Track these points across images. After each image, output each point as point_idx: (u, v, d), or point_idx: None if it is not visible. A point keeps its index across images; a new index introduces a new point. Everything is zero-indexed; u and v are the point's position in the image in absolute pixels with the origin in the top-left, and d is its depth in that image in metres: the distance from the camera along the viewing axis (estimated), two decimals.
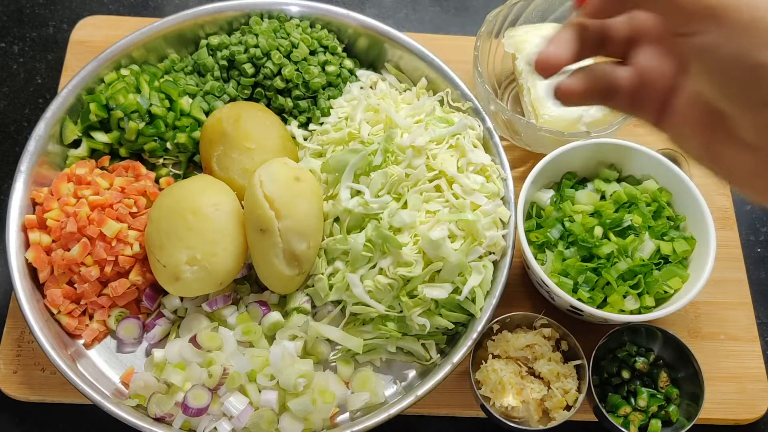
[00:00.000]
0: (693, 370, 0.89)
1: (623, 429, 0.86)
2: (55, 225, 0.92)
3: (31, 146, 0.96)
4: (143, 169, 1.01)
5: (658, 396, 0.89)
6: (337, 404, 0.90)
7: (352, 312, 0.92)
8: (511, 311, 0.93)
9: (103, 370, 0.93)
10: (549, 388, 0.90)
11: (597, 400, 0.87)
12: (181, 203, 0.89)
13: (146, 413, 0.87)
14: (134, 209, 0.95)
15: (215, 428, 0.86)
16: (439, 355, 0.94)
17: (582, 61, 0.53)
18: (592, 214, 0.95)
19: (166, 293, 0.94)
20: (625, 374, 0.90)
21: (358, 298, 0.90)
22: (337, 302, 0.94)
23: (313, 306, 0.96)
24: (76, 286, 0.92)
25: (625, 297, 0.91)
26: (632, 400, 0.89)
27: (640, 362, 0.91)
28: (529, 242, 0.93)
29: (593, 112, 1.05)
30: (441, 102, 1.05)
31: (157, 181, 1.02)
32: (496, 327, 0.93)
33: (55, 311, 0.92)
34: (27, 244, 0.92)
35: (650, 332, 0.92)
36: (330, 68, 1.06)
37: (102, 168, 1.01)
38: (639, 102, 0.54)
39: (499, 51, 1.13)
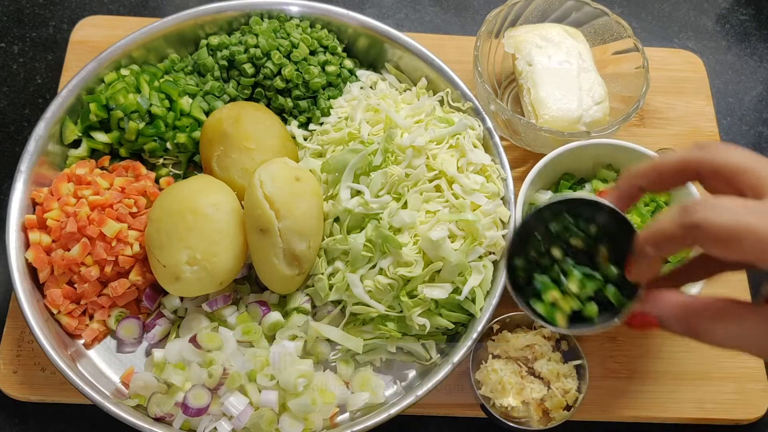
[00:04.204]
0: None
1: (545, 317, 0.68)
2: (55, 225, 0.92)
3: (31, 146, 0.96)
4: (143, 169, 1.01)
5: (596, 276, 0.69)
6: (337, 404, 0.90)
7: (352, 312, 0.92)
8: (511, 311, 0.93)
9: (103, 370, 0.93)
10: (549, 388, 0.90)
11: (510, 283, 0.69)
12: (181, 203, 0.89)
13: (146, 413, 0.87)
14: (134, 209, 0.95)
15: (215, 428, 0.86)
16: (439, 355, 0.94)
17: None
18: None
19: (166, 293, 0.94)
20: (556, 252, 0.70)
21: (358, 298, 0.90)
22: (337, 302, 0.94)
23: (313, 306, 0.96)
24: (76, 286, 0.92)
25: None
26: (564, 283, 0.70)
27: (576, 238, 0.69)
28: None
29: (593, 112, 1.05)
30: (441, 102, 1.05)
31: (157, 181, 1.02)
32: (496, 327, 0.93)
33: (55, 311, 0.92)
34: (27, 244, 0.92)
35: (592, 206, 0.68)
36: (330, 68, 1.06)
37: (102, 168, 1.01)
38: None
39: (499, 51, 1.13)
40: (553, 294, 0.69)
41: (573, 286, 0.68)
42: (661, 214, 0.61)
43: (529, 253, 0.71)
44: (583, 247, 0.70)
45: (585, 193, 0.66)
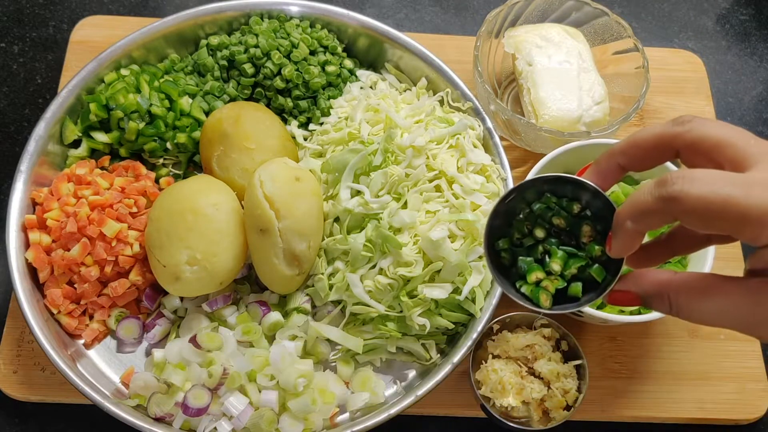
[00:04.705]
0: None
1: (530, 297, 0.67)
2: (55, 225, 0.92)
3: (31, 146, 0.96)
4: (143, 169, 1.01)
5: (580, 255, 0.68)
6: (337, 404, 0.90)
7: (352, 312, 0.92)
8: (511, 311, 0.93)
9: (103, 370, 0.93)
10: (549, 388, 0.90)
11: (492, 265, 0.68)
12: (181, 203, 0.89)
13: (146, 413, 0.87)
14: (134, 209, 0.95)
15: (215, 428, 0.86)
16: (439, 355, 0.94)
17: None
18: None
19: (166, 293, 0.95)
20: (539, 233, 0.68)
21: (358, 298, 0.90)
22: (337, 302, 0.94)
23: (313, 306, 0.96)
24: (76, 286, 0.92)
25: None
26: (548, 263, 0.69)
27: (558, 217, 0.68)
28: None
29: (593, 112, 1.05)
30: (441, 102, 1.05)
31: (157, 181, 1.02)
32: (496, 327, 0.93)
33: (55, 311, 0.92)
34: (27, 244, 0.92)
35: (573, 184, 0.68)
36: (330, 68, 1.06)
37: (102, 168, 1.02)
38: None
39: (499, 51, 1.13)
40: (537, 274, 0.68)
41: (556, 265, 0.67)
42: (639, 188, 0.60)
43: (513, 234, 0.69)
44: (566, 226, 0.68)
45: (563, 173, 0.66)
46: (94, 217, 0.91)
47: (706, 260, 0.90)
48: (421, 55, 1.06)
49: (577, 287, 0.66)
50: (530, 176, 0.94)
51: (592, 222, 0.67)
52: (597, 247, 0.66)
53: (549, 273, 0.68)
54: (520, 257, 0.69)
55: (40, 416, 0.95)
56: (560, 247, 0.68)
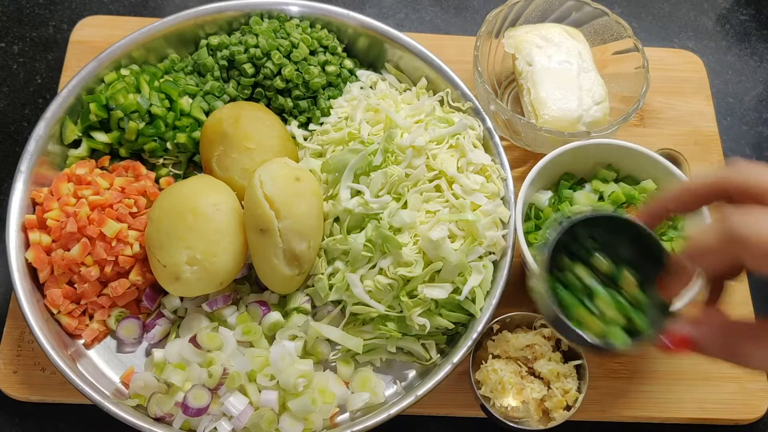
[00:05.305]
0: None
1: (581, 332, 0.66)
2: (55, 225, 0.92)
3: (31, 146, 0.96)
4: (143, 169, 1.01)
5: (621, 300, 0.69)
6: (337, 404, 0.90)
7: (352, 312, 0.92)
8: (511, 311, 0.93)
9: (103, 370, 0.93)
10: (549, 388, 0.90)
11: (551, 300, 0.68)
12: (181, 203, 0.89)
13: (146, 413, 0.87)
14: (134, 209, 0.95)
15: (215, 428, 0.86)
16: (439, 355, 0.94)
17: None
18: None
19: (166, 293, 0.94)
20: (581, 272, 0.70)
21: (358, 298, 0.90)
22: (337, 302, 0.94)
23: (313, 306, 0.96)
24: (76, 286, 0.92)
25: None
26: (588, 304, 0.70)
27: (601, 260, 0.70)
28: (529, 244, 0.93)
29: (593, 112, 1.05)
30: (441, 102, 1.05)
31: (157, 181, 1.02)
32: (496, 327, 0.93)
33: (55, 311, 0.92)
34: (27, 244, 0.92)
35: (617, 224, 0.70)
36: (330, 68, 1.06)
37: (102, 168, 1.02)
38: None
39: (499, 51, 1.13)
40: (580, 312, 0.68)
41: (602, 304, 0.68)
42: (697, 229, 0.61)
43: (556, 273, 0.71)
44: (609, 269, 0.70)
45: (610, 209, 0.69)
46: (94, 217, 0.91)
47: None
48: (421, 55, 1.06)
49: (619, 334, 0.67)
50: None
51: (636, 264, 0.69)
52: (641, 293, 0.68)
53: (592, 313, 0.68)
54: (565, 295, 0.69)
55: (40, 416, 0.95)
56: (605, 288, 0.69)
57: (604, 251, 0.70)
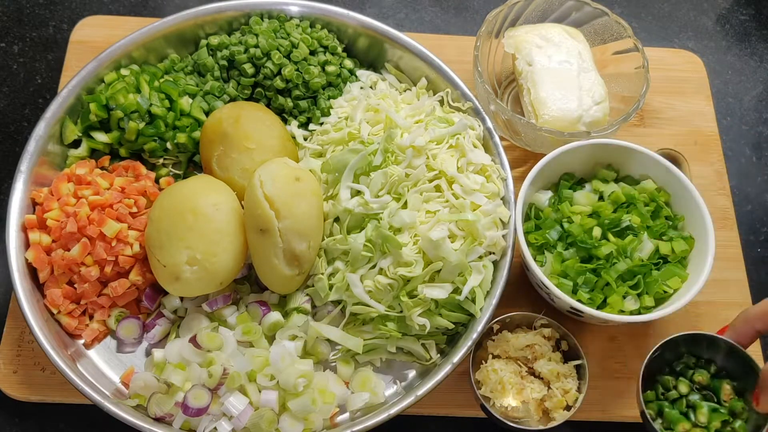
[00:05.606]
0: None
1: None
2: (55, 225, 0.92)
3: (31, 146, 0.96)
4: (143, 169, 1.01)
5: (721, 411, 0.81)
6: (337, 404, 0.90)
7: (352, 312, 0.92)
8: (511, 311, 0.93)
9: (103, 370, 0.93)
10: (549, 388, 0.90)
11: (650, 419, 0.81)
12: (181, 203, 0.89)
13: (146, 413, 0.87)
14: (134, 209, 0.95)
15: (215, 428, 0.86)
16: (439, 355, 0.94)
17: None
18: (590, 215, 0.95)
19: (166, 293, 0.95)
20: (683, 388, 0.83)
21: (358, 298, 0.90)
22: (337, 302, 0.94)
23: (313, 306, 0.96)
24: (76, 286, 0.92)
25: (624, 297, 0.91)
26: (692, 416, 0.82)
27: (699, 374, 0.83)
28: (528, 244, 0.93)
29: (593, 112, 1.05)
30: (441, 102, 1.05)
31: (157, 181, 1.02)
32: (496, 327, 0.93)
33: (55, 311, 0.92)
34: (27, 244, 0.92)
35: (711, 342, 0.83)
36: (330, 68, 1.06)
37: (102, 168, 1.02)
38: None
39: (499, 51, 1.13)
40: (684, 425, 0.80)
41: (703, 417, 0.80)
42: None
43: (658, 388, 0.84)
44: (707, 383, 0.83)
45: (708, 332, 0.84)
46: (94, 217, 0.91)
47: (706, 261, 0.90)
48: (421, 55, 1.06)
49: None
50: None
51: (731, 379, 0.82)
52: (739, 403, 0.80)
53: (695, 425, 0.81)
54: (667, 409, 0.82)
55: (40, 416, 0.95)
56: (704, 400, 0.82)
57: (704, 367, 0.83)
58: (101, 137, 1.01)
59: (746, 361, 0.80)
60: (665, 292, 0.92)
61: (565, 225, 0.94)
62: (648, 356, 0.82)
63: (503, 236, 0.93)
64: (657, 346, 0.82)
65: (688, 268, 0.93)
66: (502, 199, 0.96)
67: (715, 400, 0.82)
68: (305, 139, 1.04)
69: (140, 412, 0.87)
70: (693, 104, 1.19)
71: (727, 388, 0.81)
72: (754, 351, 1.00)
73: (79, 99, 1.01)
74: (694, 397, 0.82)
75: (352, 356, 0.94)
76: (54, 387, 0.93)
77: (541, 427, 0.87)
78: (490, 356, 0.92)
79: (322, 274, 0.93)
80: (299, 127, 1.06)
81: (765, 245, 1.13)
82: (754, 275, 1.08)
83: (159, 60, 1.08)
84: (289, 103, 1.05)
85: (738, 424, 0.79)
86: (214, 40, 1.06)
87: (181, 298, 0.95)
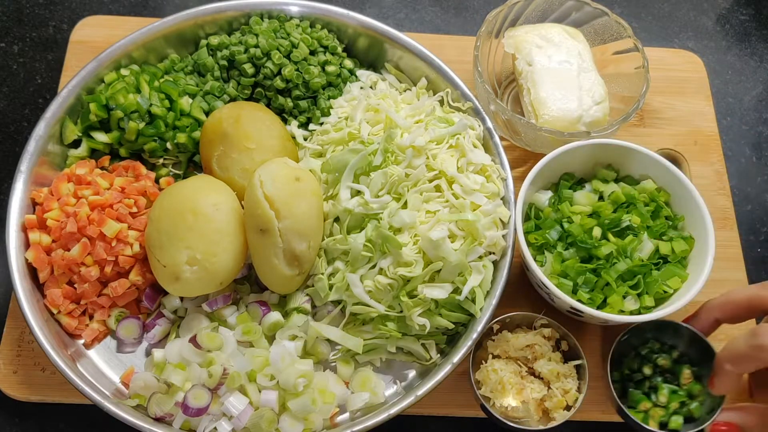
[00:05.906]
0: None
1: (641, 423, 0.85)
2: (55, 225, 0.92)
3: (31, 146, 0.96)
4: (143, 169, 1.01)
5: (680, 393, 0.87)
6: (337, 404, 0.90)
7: (352, 312, 0.92)
8: (511, 311, 0.93)
9: (103, 370, 0.93)
10: (549, 388, 0.90)
11: (615, 395, 0.87)
12: (181, 203, 0.89)
13: (146, 413, 0.87)
14: (134, 209, 0.95)
15: (215, 428, 0.86)
16: (439, 355, 0.94)
17: None
18: (590, 215, 0.95)
19: (166, 293, 0.95)
20: (647, 370, 0.89)
21: (358, 298, 0.90)
22: (337, 302, 0.94)
23: (313, 306, 0.96)
24: (76, 286, 0.92)
25: (624, 297, 0.91)
26: (653, 396, 0.88)
27: (662, 358, 0.89)
28: (528, 244, 0.93)
29: (593, 112, 1.05)
30: (441, 102, 1.05)
31: (157, 181, 1.02)
32: (496, 327, 0.93)
33: (55, 311, 0.92)
34: (27, 244, 0.92)
35: (675, 329, 0.90)
36: (330, 68, 1.06)
37: (102, 168, 1.02)
38: None
39: (499, 51, 1.13)
40: (645, 404, 0.87)
41: (663, 398, 0.87)
42: (735, 337, 0.79)
43: (623, 369, 0.90)
44: (668, 366, 0.89)
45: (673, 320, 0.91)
46: (94, 217, 0.91)
47: (706, 261, 0.90)
48: (421, 55, 1.06)
49: (677, 421, 0.85)
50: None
51: (691, 364, 0.88)
52: (697, 386, 0.86)
53: (655, 404, 0.87)
54: (631, 390, 0.89)
55: (40, 416, 0.95)
56: (665, 383, 0.88)
57: (668, 352, 0.90)
58: (101, 137, 1.01)
59: (706, 348, 0.87)
60: (665, 292, 0.92)
61: (565, 225, 0.94)
62: (616, 340, 0.89)
63: (503, 236, 0.93)
64: (625, 331, 0.89)
65: (688, 268, 0.93)
66: (502, 199, 0.96)
67: (676, 383, 0.88)
68: (305, 139, 1.04)
69: (140, 412, 0.87)
70: (693, 104, 1.19)
71: (686, 373, 0.88)
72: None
73: (79, 99, 1.01)
74: (657, 380, 0.89)
75: (352, 356, 0.94)
76: (54, 387, 0.93)
77: (541, 427, 0.87)
78: (490, 356, 0.92)
79: (322, 274, 0.93)
80: (299, 127, 1.06)
81: (765, 245, 1.13)
82: (754, 275, 1.08)
83: (159, 60, 1.08)
84: (289, 103, 1.05)
85: (694, 405, 0.86)
86: (214, 40, 1.06)
87: (181, 298, 0.95)
